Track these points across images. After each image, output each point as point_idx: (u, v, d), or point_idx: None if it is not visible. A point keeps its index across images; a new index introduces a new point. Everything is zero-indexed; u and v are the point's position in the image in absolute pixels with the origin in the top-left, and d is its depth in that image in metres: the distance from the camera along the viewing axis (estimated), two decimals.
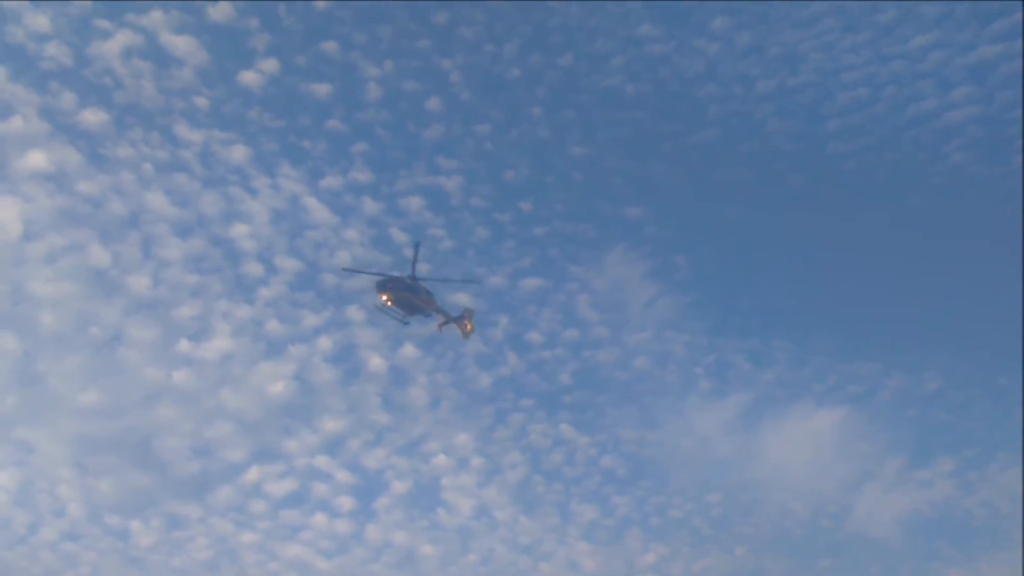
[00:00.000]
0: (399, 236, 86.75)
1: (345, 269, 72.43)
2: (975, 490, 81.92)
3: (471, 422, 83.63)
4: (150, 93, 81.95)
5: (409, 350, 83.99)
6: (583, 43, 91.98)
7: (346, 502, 78.76)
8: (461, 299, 69.00)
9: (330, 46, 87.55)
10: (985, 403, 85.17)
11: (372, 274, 62.36)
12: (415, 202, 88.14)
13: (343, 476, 79.29)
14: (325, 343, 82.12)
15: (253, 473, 77.52)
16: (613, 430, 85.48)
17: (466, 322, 66.39)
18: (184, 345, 78.60)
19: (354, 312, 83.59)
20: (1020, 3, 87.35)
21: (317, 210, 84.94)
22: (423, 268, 64.25)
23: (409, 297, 60.40)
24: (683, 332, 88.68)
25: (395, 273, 61.35)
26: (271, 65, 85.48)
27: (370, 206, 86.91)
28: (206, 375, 78.60)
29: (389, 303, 59.73)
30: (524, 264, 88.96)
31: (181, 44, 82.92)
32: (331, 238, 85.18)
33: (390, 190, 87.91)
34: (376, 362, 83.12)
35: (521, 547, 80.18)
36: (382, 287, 59.64)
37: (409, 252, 62.84)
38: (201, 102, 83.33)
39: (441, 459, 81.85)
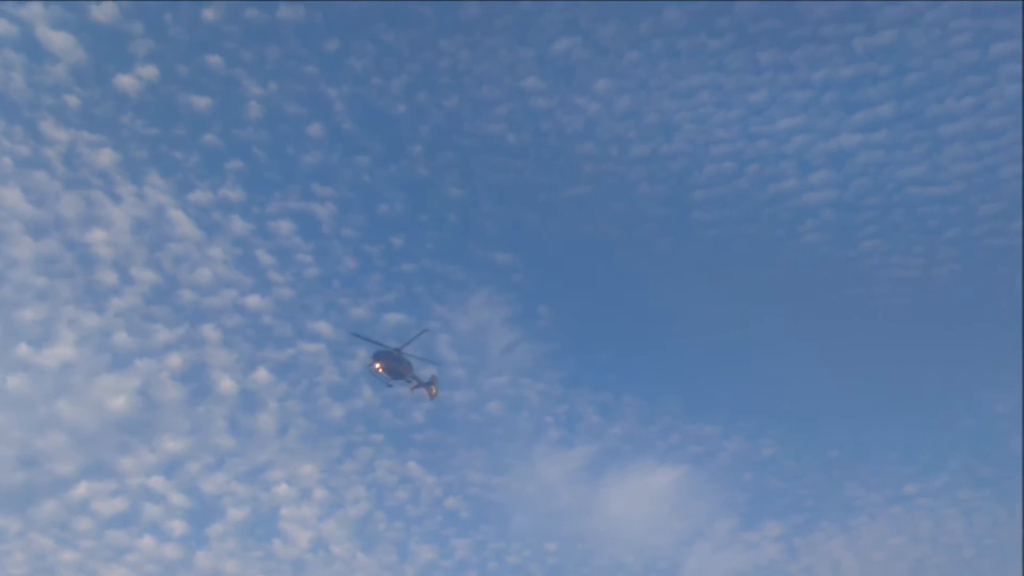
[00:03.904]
0: (265, 258, 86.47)
1: (354, 334, 75.86)
2: (799, 556, 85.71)
3: (318, 453, 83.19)
4: (19, 86, 79.38)
5: (262, 375, 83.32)
6: (470, 87, 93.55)
7: (178, 526, 77.06)
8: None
9: (214, 59, 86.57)
10: (815, 473, 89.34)
11: (374, 343, 71.15)
12: (285, 226, 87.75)
13: (178, 499, 77.59)
14: (175, 360, 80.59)
15: (82, 489, 75.02)
16: (460, 471, 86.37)
17: (432, 386, 75.10)
18: (23, 349, 75.71)
19: (209, 331, 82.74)
20: (881, 95, 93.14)
21: (182, 223, 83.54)
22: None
23: (396, 367, 70.78)
24: (539, 380, 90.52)
25: (388, 347, 71.35)
26: (150, 71, 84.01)
27: (238, 225, 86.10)
28: (43, 383, 75.75)
29: (381, 370, 70.02)
30: (389, 299, 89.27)
31: (58, 40, 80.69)
32: (194, 253, 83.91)
33: (261, 211, 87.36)
34: (227, 384, 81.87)
35: None
36: (378, 357, 70.25)
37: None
38: (72, 101, 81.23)
39: (283, 488, 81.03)
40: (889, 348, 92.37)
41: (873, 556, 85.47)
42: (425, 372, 74.29)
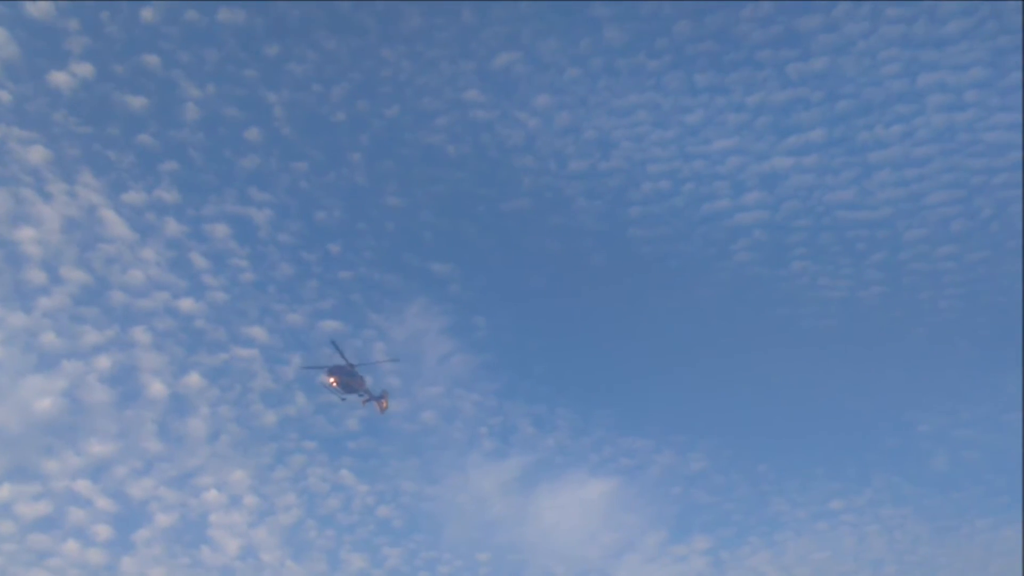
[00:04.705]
0: (200, 262, 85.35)
1: (304, 367, 76.97)
2: (725, 569, 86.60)
3: (250, 459, 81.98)
4: None
5: (194, 379, 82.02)
6: (410, 98, 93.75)
7: (103, 531, 75.13)
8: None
9: (152, 59, 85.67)
10: (743, 488, 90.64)
11: (323, 367, 71.69)
12: (221, 229, 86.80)
13: (104, 503, 75.76)
14: (104, 362, 79.02)
15: (4, 491, 72.89)
16: (393, 480, 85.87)
17: (384, 400, 75.68)
18: None
19: (140, 334, 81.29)
20: (812, 120, 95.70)
21: (115, 224, 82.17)
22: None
23: (348, 381, 71.97)
24: (473, 391, 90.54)
25: (340, 363, 71.68)
26: (85, 69, 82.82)
27: (172, 227, 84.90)
28: None
29: (335, 384, 70.93)
30: (325, 306, 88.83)
31: None
32: (126, 254, 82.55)
33: (196, 214, 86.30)
34: (157, 388, 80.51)
35: None
36: (331, 372, 71.06)
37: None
38: (3, 96, 79.75)
39: (212, 494, 79.65)
40: (816, 367, 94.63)
41: (798, 570, 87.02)
42: (376, 386, 74.64)
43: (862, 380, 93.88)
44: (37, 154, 79.92)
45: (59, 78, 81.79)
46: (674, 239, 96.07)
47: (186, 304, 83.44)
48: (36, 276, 78.49)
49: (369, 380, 75.27)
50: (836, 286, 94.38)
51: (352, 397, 73.07)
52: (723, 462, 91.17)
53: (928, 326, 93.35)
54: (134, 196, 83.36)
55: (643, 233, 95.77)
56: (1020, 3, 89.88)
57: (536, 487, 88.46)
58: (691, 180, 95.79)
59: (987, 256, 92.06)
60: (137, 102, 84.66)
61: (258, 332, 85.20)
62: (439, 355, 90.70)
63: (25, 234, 78.63)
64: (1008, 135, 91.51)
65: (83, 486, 75.47)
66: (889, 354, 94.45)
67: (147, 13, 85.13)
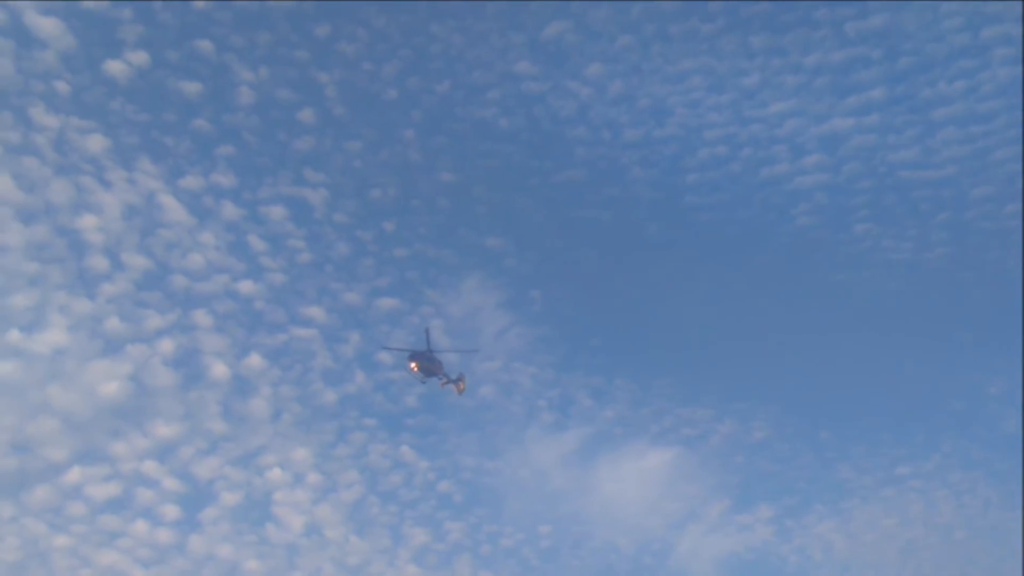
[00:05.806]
0: (257, 244, 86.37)
1: (385, 348, 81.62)
2: (791, 537, 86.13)
3: (312, 437, 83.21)
4: (7, 72, 78.96)
5: (255, 360, 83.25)
6: (461, 72, 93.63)
7: (171, 510, 76.97)
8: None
9: (204, 45, 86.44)
10: (807, 455, 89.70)
11: (405, 350, 74.72)
12: (277, 211, 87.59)
13: (171, 484, 77.43)
14: (167, 345, 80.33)
15: (74, 474, 74.75)
16: (453, 456, 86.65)
17: (460, 383, 77.49)
18: (15, 335, 74.96)
19: (201, 317, 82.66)
20: (873, 79, 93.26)
21: (173, 209, 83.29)
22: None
23: (429, 365, 74.46)
24: (531, 364, 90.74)
25: (421, 349, 74.74)
26: (140, 57, 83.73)
27: (230, 210, 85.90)
28: (35, 368, 75.17)
29: (416, 369, 73.71)
30: (382, 283, 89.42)
31: (47, 26, 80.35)
32: (185, 239, 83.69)
33: (252, 197, 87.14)
34: (220, 369, 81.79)
35: (349, 568, 79.96)
36: (412, 358, 73.84)
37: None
38: (61, 87, 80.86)
39: (276, 473, 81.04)
40: (881, 331, 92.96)
41: (865, 537, 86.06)
42: (453, 369, 76.43)
43: (928, 343, 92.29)
44: (96, 143, 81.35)
45: (115, 67, 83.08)
46: (732, 205, 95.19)
47: (245, 286, 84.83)
48: (99, 263, 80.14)
49: (460, 374, 77.62)
50: (900, 248, 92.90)
51: (431, 381, 75.33)
52: (786, 430, 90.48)
53: (996, 286, 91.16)
54: (191, 181, 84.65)
55: (700, 200, 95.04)
56: None
57: (596, 459, 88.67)
58: (748, 145, 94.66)
59: None
60: (192, 88, 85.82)
61: (316, 312, 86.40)
62: (496, 329, 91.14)
63: (87, 222, 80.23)
64: None
65: (150, 467, 77.39)
66: (956, 316, 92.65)
67: (199, 2, 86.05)
